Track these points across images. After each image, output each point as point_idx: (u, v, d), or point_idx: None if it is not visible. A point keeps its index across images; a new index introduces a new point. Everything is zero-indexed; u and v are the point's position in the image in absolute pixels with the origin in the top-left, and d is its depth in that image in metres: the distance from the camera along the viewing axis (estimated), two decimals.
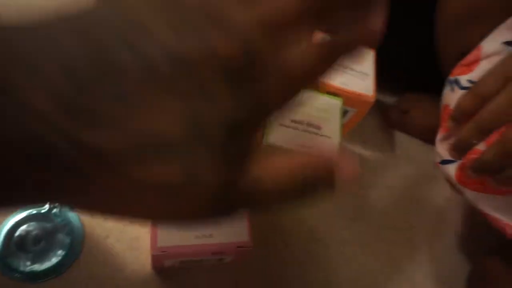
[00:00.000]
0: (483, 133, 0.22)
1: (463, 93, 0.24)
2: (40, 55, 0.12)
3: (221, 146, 0.13)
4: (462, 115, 0.23)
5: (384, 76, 0.32)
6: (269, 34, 0.14)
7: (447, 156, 0.26)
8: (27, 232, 0.26)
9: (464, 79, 0.26)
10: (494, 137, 0.22)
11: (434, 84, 0.35)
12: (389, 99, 0.41)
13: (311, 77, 0.16)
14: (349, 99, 0.29)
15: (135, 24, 0.13)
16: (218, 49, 0.13)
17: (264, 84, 0.14)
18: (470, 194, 0.25)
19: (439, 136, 0.28)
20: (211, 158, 0.13)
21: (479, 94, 0.22)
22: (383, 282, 0.30)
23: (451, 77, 0.27)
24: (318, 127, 0.27)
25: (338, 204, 0.33)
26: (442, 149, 0.27)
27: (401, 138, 0.39)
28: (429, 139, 0.39)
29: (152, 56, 0.13)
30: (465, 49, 0.27)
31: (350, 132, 0.34)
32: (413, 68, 0.38)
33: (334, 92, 0.28)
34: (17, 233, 0.26)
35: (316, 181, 0.15)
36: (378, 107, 0.39)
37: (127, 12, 0.13)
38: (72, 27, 0.13)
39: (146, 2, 0.14)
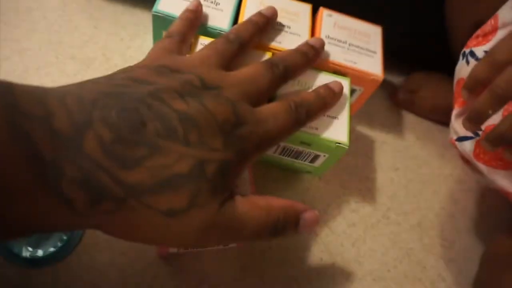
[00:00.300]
0: (499, 102, 0.21)
1: None
2: (94, 111, 0.15)
3: (215, 179, 0.17)
4: (476, 85, 0.22)
5: (391, 55, 0.31)
6: (249, 101, 0.20)
7: (463, 133, 0.25)
8: None
9: (480, 50, 0.25)
10: (509, 109, 0.21)
11: (443, 62, 0.34)
12: (396, 79, 0.40)
13: (283, 134, 0.20)
14: (356, 78, 0.28)
15: (154, 94, 0.17)
16: (216, 111, 0.18)
17: (246, 136, 0.18)
18: (488, 171, 0.24)
19: (454, 111, 0.26)
20: (208, 188, 0.17)
21: (494, 62, 0.21)
22: (391, 265, 0.29)
23: (466, 49, 0.26)
24: None
25: (345, 186, 0.32)
26: (458, 125, 0.25)
27: (409, 118, 0.38)
28: (438, 119, 0.38)
29: (167, 115, 0.16)
30: (479, 19, 0.26)
31: (356, 113, 0.33)
32: (421, 46, 0.36)
33: (341, 71, 0.27)
34: None
35: (286, 222, 0.19)
36: (385, 87, 0.38)
37: (147, 85, 0.18)
38: (114, 92, 0.16)
39: (156, 75, 0.18)
